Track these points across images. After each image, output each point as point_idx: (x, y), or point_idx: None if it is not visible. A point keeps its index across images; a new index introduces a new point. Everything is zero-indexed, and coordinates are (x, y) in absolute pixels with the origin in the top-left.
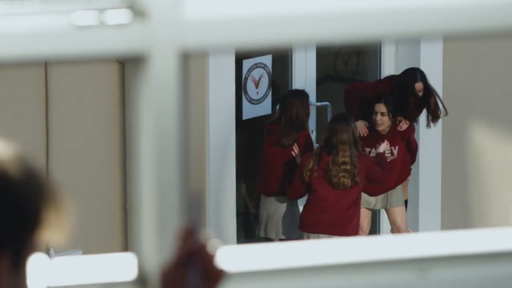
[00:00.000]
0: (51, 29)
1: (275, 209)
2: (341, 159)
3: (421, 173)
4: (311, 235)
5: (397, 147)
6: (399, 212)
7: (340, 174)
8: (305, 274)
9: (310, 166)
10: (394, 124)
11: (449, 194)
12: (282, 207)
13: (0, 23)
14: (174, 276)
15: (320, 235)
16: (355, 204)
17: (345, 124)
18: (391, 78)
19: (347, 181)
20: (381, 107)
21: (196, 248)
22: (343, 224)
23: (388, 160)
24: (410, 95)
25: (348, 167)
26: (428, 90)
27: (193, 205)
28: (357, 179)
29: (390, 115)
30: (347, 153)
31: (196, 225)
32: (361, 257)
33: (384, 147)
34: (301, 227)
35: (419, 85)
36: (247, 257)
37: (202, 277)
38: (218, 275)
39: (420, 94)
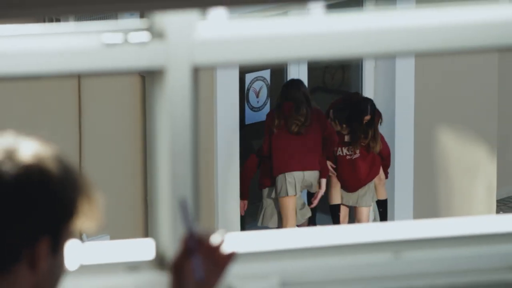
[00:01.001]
0: (83, 47)
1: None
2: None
3: (396, 170)
4: (285, 174)
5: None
6: (364, 212)
7: (293, 126)
8: (295, 255)
9: (276, 122)
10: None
11: (420, 188)
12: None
13: (40, 41)
14: (181, 264)
15: (290, 172)
16: (314, 148)
17: (296, 89)
18: (352, 95)
19: (300, 129)
20: (331, 113)
21: (198, 242)
22: (306, 163)
23: (353, 158)
24: (356, 121)
25: (303, 119)
26: (372, 121)
27: (183, 209)
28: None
29: (337, 121)
30: (304, 111)
31: (192, 226)
32: (345, 241)
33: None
34: (276, 172)
35: (367, 118)
36: (250, 240)
37: (209, 264)
38: (224, 260)
39: (365, 122)
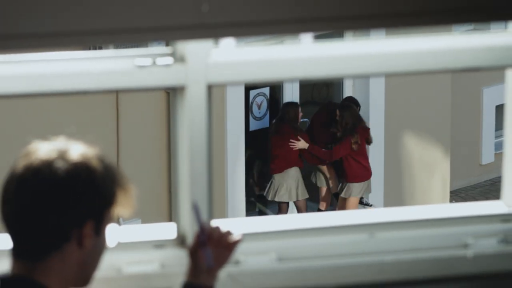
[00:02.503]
0: (120, 68)
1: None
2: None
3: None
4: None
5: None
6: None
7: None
8: (290, 235)
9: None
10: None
11: (389, 181)
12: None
13: (86, 64)
14: (196, 252)
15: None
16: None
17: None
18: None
19: None
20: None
21: (208, 236)
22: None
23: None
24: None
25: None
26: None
27: (195, 211)
28: None
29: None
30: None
31: (202, 223)
32: (330, 223)
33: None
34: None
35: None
36: (252, 224)
37: (219, 249)
38: (232, 245)
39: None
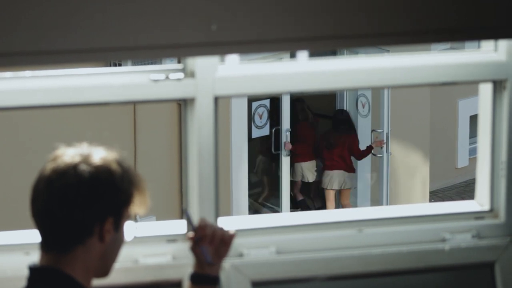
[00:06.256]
0: (137, 82)
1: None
2: None
3: (359, 170)
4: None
5: None
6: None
7: None
8: (288, 231)
9: None
10: None
11: (376, 183)
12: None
13: (107, 78)
14: (195, 249)
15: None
16: None
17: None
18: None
19: None
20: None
21: (202, 236)
22: None
23: None
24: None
25: None
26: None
27: (187, 216)
28: None
29: None
30: None
31: (194, 226)
32: (323, 220)
33: None
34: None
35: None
36: (255, 220)
37: (216, 245)
38: (227, 239)
39: None
